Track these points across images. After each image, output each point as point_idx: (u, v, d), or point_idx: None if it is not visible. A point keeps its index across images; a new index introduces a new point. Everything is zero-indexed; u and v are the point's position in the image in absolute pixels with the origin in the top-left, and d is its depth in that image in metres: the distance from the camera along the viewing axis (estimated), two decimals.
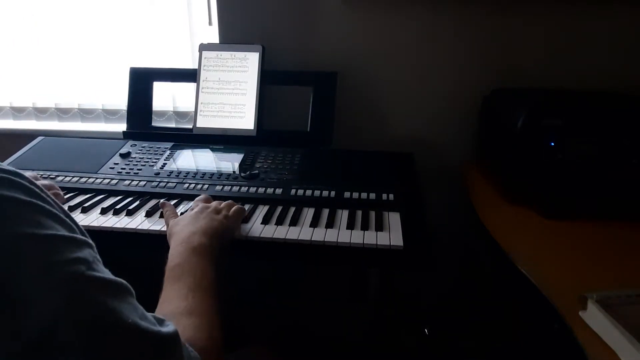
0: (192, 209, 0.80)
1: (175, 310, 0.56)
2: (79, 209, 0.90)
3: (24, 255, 0.37)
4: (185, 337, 0.49)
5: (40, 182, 0.92)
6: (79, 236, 0.42)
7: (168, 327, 0.44)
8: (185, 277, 0.62)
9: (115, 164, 1.07)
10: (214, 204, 0.83)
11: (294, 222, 0.86)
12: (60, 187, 0.98)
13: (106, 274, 0.42)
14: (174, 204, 0.93)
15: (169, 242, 0.73)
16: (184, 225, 0.74)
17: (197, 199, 0.86)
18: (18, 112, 1.46)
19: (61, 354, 0.36)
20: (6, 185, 0.39)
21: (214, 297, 0.61)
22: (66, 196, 0.96)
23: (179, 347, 0.44)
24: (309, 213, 0.90)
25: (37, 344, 0.36)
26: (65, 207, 0.90)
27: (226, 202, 0.85)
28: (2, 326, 0.35)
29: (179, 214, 0.82)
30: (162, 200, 0.88)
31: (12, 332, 0.35)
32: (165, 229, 0.83)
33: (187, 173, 1.03)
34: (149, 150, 1.12)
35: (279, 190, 0.97)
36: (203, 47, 1.18)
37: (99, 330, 0.38)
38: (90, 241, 0.43)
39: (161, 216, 0.88)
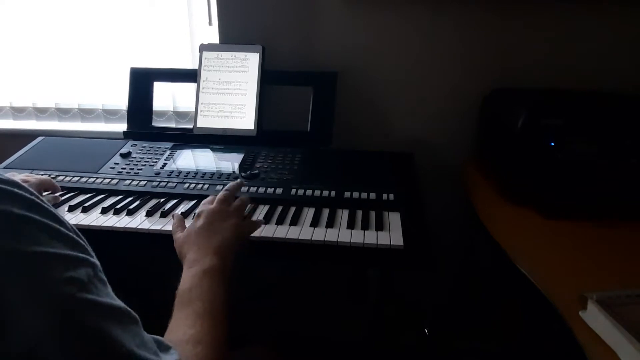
0: (199, 216, 0.75)
1: (182, 338, 0.54)
2: (80, 209, 0.90)
3: (12, 272, 0.35)
4: None
5: (34, 177, 0.93)
6: (79, 254, 0.39)
7: (172, 356, 0.43)
8: (194, 302, 0.60)
9: (115, 163, 1.07)
10: (219, 206, 0.78)
11: (294, 222, 0.86)
12: (60, 187, 0.98)
13: (104, 297, 0.39)
14: (174, 204, 0.93)
15: (181, 261, 0.70)
16: (193, 242, 0.71)
17: (202, 202, 0.81)
18: (18, 112, 1.46)
19: None
20: (3, 198, 0.37)
21: (224, 323, 0.59)
22: (66, 196, 0.96)
23: None
24: (309, 213, 0.90)
25: None
26: (66, 207, 0.91)
27: (235, 204, 0.80)
28: None
29: (180, 212, 0.82)
30: (173, 213, 0.87)
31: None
32: (165, 229, 0.84)
33: (188, 173, 1.03)
34: (149, 150, 1.12)
35: (279, 190, 0.97)
36: (203, 48, 1.18)
37: (86, 355, 0.37)
38: (93, 260, 0.41)
39: (161, 215, 0.88)
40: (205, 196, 0.95)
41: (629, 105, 1.00)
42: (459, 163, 1.23)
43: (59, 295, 0.36)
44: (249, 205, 0.86)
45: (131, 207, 0.90)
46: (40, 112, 1.45)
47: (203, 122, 1.18)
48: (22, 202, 0.37)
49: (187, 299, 0.60)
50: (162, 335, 0.52)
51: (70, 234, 0.40)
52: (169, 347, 0.44)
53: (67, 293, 0.36)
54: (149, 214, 0.89)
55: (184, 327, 0.56)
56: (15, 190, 0.38)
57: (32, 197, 0.39)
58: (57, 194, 0.95)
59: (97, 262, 0.41)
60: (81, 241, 0.41)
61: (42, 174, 1.03)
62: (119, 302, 0.40)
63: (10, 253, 0.35)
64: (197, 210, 0.78)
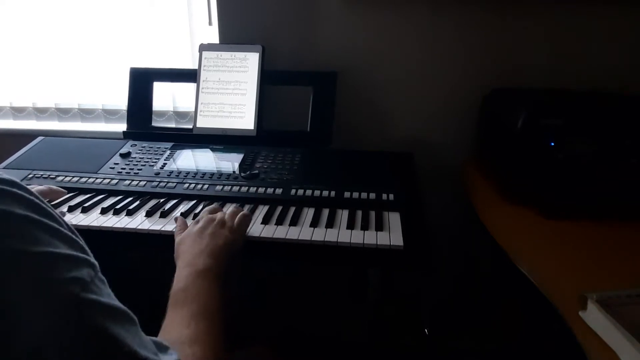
0: (198, 221, 0.78)
1: (177, 339, 0.53)
2: (79, 209, 0.90)
3: (17, 272, 0.35)
4: None
5: (36, 189, 0.92)
6: (80, 254, 0.39)
7: (171, 356, 0.43)
8: (189, 303, 0.60)
9: (115, 164, 1.07)
10: (219, 215, 0.80)
11: (294, 222, 0.86)
12: (60, 187, 0.98)
13: (105, 297, 0.39)
14: (173, 204, 0.93)
15: (175, 261, 0.71)
16: (189, 245, 0.72)
17: (205, 209, 0.83)
18: (18, 112, 1.46)
19: None
20: (5, 198, 0.37)
21: (219, 323, 0.59)
22: (66, 196, 0.96)
23: None
24: (309, 213, 0.90)
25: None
26: (65, 207, 0.90)
27: (231, 210, 0.83)
28: None
29: (180, 213, 0.82)
30: (175, 215, 0.87)
31: (4, 346, 0.34)
32: (165, 230, 0.84)
33: (187, 173, 1.03)
34: (149, 150, 1.12)
35: (279, 190, 0.97)
36: (203, 47, 1.18)
37: (90, 355, 0.37)
38: (93, 260, 0.41)
39: (161, 216, 0.88)
40: (205, 196, 0.96)
41: (629, 105, 1.00)
42: (459, 163, 1.23)
43: (64, 295, 0.36)
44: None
45: (131, 207, 0.90)
46: (40, 112, 1.45)
47: (203, 122, 1.17)
48: (22, 202, 0.38)
49: (181, 300, 0.60)
50: (157, 336, 0.52)
51: (70, 234, 0.40)
52: (167, 348, 0.44)
53: (71, 293, 0.36)
54: (149, 214, 0.89)
55: (179, 327, 0.56)
56: (15, 190, 0.38)
57: (32, 197, 0.39)
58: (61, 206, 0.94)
59: (96, 263, 0.41)
60: (80, 241, 0.41)
61: (42, 174, 1.03)
62: (118, 303, 0.40)
63: (15, 253, 0.35)
64: (199, 216, 0.80)
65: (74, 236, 0.40)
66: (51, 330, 0.35)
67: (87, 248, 0.41)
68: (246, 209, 0.91)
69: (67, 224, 0.41)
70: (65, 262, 0.37)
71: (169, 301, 0.61)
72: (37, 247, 0.36)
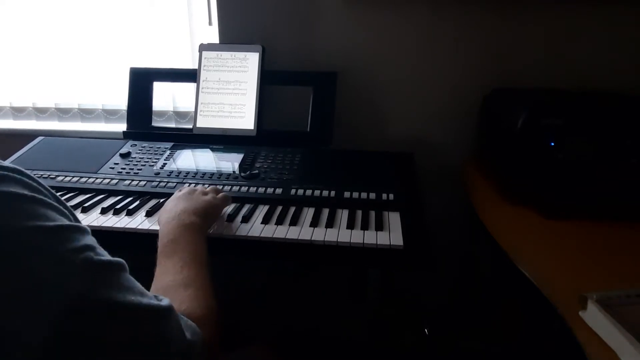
0: (179, 191, 0.84)
1: (171, 283, 0.58)
2: (79, 209, 0.90)
3: (36, 247, 0.38)
4: (183, 308, 0.52)
5: None
6: (81, 225, 0.44)
7: (163, 301, 0.46)
8: (179, 251, 0.64)
9: (115, 164, 1.07)
10: (200, 187, 0.87)
11: (294, 222, 0.86)
12: (60, 187, 0.98)
13: (106, 255, 0.44)
14: None
15: (158, 220, 0.76)
16: (173, 205, 0.77)
17: (181, 188, 0.89)
18: (18, 112, 1.46)
19: (82, 335, 0.38)
20: (11, 182, 0.40)
21: (207, 270, 0.64)
22: (66, 196, 0.96)
23: (175, 317, 0.47)
24: (309, 213, 0.90)
25: (59, 327, 0.37)
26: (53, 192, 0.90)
27: (211, 186, 0.89)
28: (22, 314, 0.37)
29: None
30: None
31: (33, 318, 0.37)
32: None
33: (187, 173, 1.03)
34: (149, 150, 1.12)
35: (279, 190, 0.97)
36: (203, 47, 1.18)
37: (114, 308, 0.41)
38: (88, 228, 0.45)
39: None
40: None
41: (629, 105, 1.00)
42: (459, 163, 1.23)
43: (82, 261, 0.40)
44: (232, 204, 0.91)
45: (131, 207, 0.90)
46: (40, 112, 1.45)
47: (203, 122, 1.18)
48: (27, 186, 0.42)
49: (171, 250, 0.65)
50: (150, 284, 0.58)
51: (65, 210, 0.44)
52: (156, 296, 0.47)
53: (88, 258, 0.41)
54: (149, 214, 0.89)
55: (172, 274, 0.60)
56: (19, 176, 0.42)
57: (32, 182, 0.43)
58: None
59: (88, 228, 0.45)
60: (70, 214, 0.45)
61: (42, 174, 1.03)
62: (113, 257, 0.44)
63: (32, 230, 0.39)
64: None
65: (66, 210, 0.45)
66: (76, 295, 0.38)
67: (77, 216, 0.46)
68: (246, 208, 0.91)
69: (58, 199, 0.45)
70: (74, 233, 0.42)
71: (159, 252, 0.65)
72: (49, 222, 0.40)
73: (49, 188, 0.45)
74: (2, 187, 0.39)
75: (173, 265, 0.62)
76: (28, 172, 0.44)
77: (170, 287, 0.58)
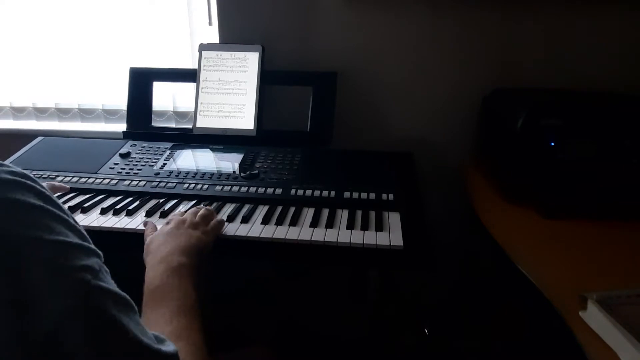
0: (168, 224, 0.78)
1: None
2: (79, 209, 0.90)
3: (33, 258, 0.37)
4: None
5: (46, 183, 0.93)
6: (88, 244, 0.42)
7: (168, 347, 0.44)
8: (167, 300, 0.60)
9: (115, 164, 1.07)
10: (189, 216, 0.80)
11: (293, 222, 0.86)
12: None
13: (112, 285, 0.41)
14: (173, 204, 0.93)
15: (145, 259, 0.71)
16: (161, 243, 0.72)
17: (172, 214, 0.84)
18: (18, 112, 1.46)
19: (67, 352, 0.37)
20: (19, 189, 0.39)
21: (198, 318, 0.60)
22: (66, 197, 0.96)
23: None
24: (309, 213, 0.90)
25: (42, 348, 0.36)
26: (65, 207, 0.90)
27: (201, 212, 0.82)
28: (9, 328, 0.36)
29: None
30: (145, 220, 0.86)
31: (18, 333, 0.36)
32: None
33: (187, 173, 1.03)
34: (149, 150, 1.12)
35: (279, 190, 0.97)
36: (203, 47, 1.18)
37: (102, 339, 0.39)
38: (99, 251, 0.43)
39: (161, 216, 0.88)
40: (205, 196, 0.96)
41: (629, 105, 1.00)
42: (458, 163, 1.23)
43: (77, 282, 0.38)
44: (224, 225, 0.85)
45: (131, 207, 0.90)
46: (40, 112, 1.45)
47: (203, 122, 1.17)
48: (35, 193, 0.40)
49: (159, 297, 0.61)
50: None
51: (77, 225, 0.42)
52: (164, 340, 0.45)
53: (83, 280, 0.39)
54: (149, 214, 0.89)
55: (160, 325, 0.56)
56: (29, 182, 0.40)
57: (43, 190, 0.41)
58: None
59: (101, 253, 0.43)
60: (84, 233, 0.43)
61: (42, 174, 1.03)
62: (121, 291, 0.42)
63: (33, 240, 0.38)
64: (168, 218, 0.81)
65: (79, 227, 0.43)
66: (65, 315, 0.37)
67: (90, 240, 0.43)
68: (246, 209, 0.91)
69: (71, 216, 0.43)
70: (77, 251, 0.40)
71: (144, 299, 0.61)
72: (52, 236, 0.39)
73: (57, 200, 0.43)
74: (9, 194, 0.38)
75: (161, 316, 0.58)
76: (35, 176, 0.42)
77: None
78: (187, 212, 0.83)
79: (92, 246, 0.42)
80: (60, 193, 0.95)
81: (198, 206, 0.89)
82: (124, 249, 0.88)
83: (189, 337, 0.55)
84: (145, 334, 0.42)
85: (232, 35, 1.24)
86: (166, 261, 0.67)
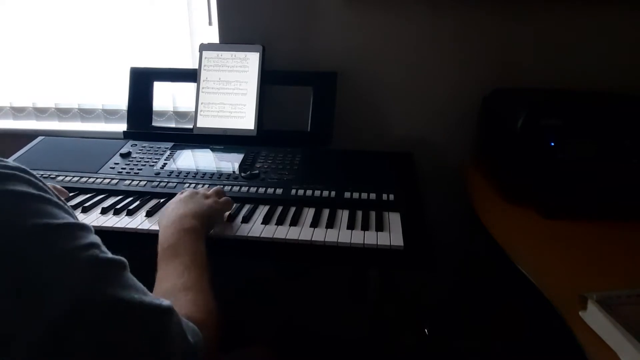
0: (181, 193, 0.82)
1: (173, 287, 0.59)
2: (80, 209, 0.90)
3: (43, 244, 0.39)
4: (184, 311, 0.52)
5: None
6: (85, 223, 0.44)
7: (164, 302, 0.46)
8: (180, 256, 0.64)
9: (115, 163, 1.07)
10: (202, 189, 0.85)
11: (294, 222, 0.86)
12: (60, 187, 0.98)
13: (109, 253, 0.44)
14: None
15: (159, 223, 0.75)
16: (173, 208, 0.76)
17: (183, 189, 0.88)
18: (18, 112, 1.46)
19: (85, 332, 0.38)
20: (17, 181, 0.41)
21: (207, 273, 0.64)
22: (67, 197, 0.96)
23: (177, 317, 0.47)
24: (309, 213, 0.90)
25: (61, 324, 0.37)
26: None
27: (214, 188, 0.87)
28: (23, 312, 0.37)
29: None
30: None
31: (34, 316, 0.37)
32: None
33: (188, 173, 1.03)
34: (149, 150, 1.12)
35: (279, 190, 0.97)
36: (203, 47, 1.18)
37: (118, 305, 0.41)
38: (89, 225, 0.46)
39: None
40: None
41: (629, 105, 1.00)
42: (458, 163, 1.23)
43: (88, 258, 0.41)
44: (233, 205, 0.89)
45: (131, 207, 0.90)
46: (40, 112, 1.45)
47: (203, 122, 1.18)
48: (32, 184, 0.43)
49: (171, 254, 0.65)
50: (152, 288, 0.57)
51: (69, 209, 0.45)
52: (157, 297, 0.47)
53: (93, 255, 0.41)
54: (149, 214, 0.89)
55: (172, 277, 0.61)
56: (26, 176, 0.43)
57: (38, 181, 0.44)
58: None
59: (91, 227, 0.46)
60: (74, 214, 0.46)
61: (42, 174, 1.03)
62: (116, 255, 0.45)
63: (40, 228, 0.39)
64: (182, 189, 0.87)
65: (70, 209, 0.46)
66: (80, 292, 0.39)
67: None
68: (246, 209, 0.91)
69: (62, 200, 0.46)
70: (80, 231, 0.43)
71: (159, 257, 0.65)
72: (56, 220, 0.41)
73: (51, 189, 0.45)
74: (9, 186, 0.40)
75: (174, 269, 0.62)
76: (33, 171, 0.44)
77: (170, 291, 0.58)
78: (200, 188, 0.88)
79: (87, 224, 0.45)
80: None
81: None
82: (125, 248, 0.88)
83: (199, 288, 0.59)
84: (143, 291, 0.45)
85: (232, 35, 1.24)
86: (179, 222, 0.71)
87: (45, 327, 0.37)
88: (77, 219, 0.45)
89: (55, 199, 0.43)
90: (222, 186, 0.95)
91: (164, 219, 0.75)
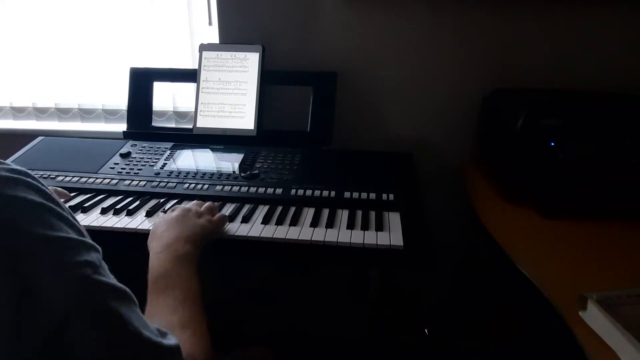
0: (173, 211, 0.79)
1: (167, 325, 0.54)
2: (79, 209, 0.90)
3: (36, 255, 0.38)
4: (184, 351, 0.49)
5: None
6: (87, 240, 0.43)
7: (170, 340, 0.44)
8: (171, 289, 0.60)
9: (115, 164, 1.07)
10: (194, 207, 0.81)
11: (294, 222, 0.86)
12: (60, 187, 0.98)
13: (111, 279, 0.42)
14: (173, 204, 0.93)
15: (148, 246, 0.71)
16: (165, 230, 0.72)
17: (173, 207, 0.84)
18: (18, 112, 1.46)
19: (69, 353, 0.37)
20: (20, 186, 0.40)
21: (201, 307, 0.61)
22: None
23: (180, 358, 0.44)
24: (309, 213, 0.90)
25: (46, 344, 0.37)
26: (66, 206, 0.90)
27: (206, 205, 0.84)
28: (12, 325, 0.36)
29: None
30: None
31: (23, 328, 0.36)
32: None
33: (187, 173, 1.03)
34: (149, 150, 1.12)
35: (279, 190, 0.97)
36: (203, 47, 1.18)
37: (104, 332, 0.39)
38: (98, 246, 0.44)
39: None
40: (205, 196, 0.96)
41: (629, 105, 1.00)
42: (458, 163, 1.23)
43: (79, 277, 0.39)
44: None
45: (131, 207, 0.90)
46: (40, 112, 1.45)
47: (203, 122, 1.17)
48: (36, 191, 0.41)
49: (163, 286, 0.61)
50: None
51: (76, 222, 0.44)
52: (166, 333, 0.45)
53: (85, 274, 0.40)
54: (149, 214, 0.89)
55: (166, 314, 0.57)
56: (30, 180, 0.41)
57: (43, 187, 0.42)
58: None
59: (100, 248, 0.44)
60: (83, 229, 0.44)
61: (42, 174, 1.03)
62: (120, 285, 0.43)
63: (38, 237, 0.39)
64: (173, 207, 0.82)
65: (78, 224, 0.44)
66: (69, 309, 0.38)
67: (88, 236, 0.45)
68: (246, 209, 0.91)
69: (71, 213, 0.44)
70: (78, 247, 0.41)
71: (149, 287, 0.61)
72: (55, 232, 0.40)
73: (57, 198, 0.44)
74: (13, 192, 0.39)
75: (166, 304, 0.58)
76: (33, 172, 0.43)
77: (167, 328, 0.52)
78: (192, 203, 0.84)
79: (91, 241, 0.43)
80: (63, 200, 0.95)
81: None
82: (124, 248, 0.88)
83: (194, 327, 0.56)
84: (146, 326, 0.42)
85: (232, 35, 1.24)
86: (171, 248, 0.67)
87: (35, 338, 0.36)
88: (84, 234, 0.44)
89: (59, 210, 0.42)
90: (215, 203, 0.90)
91: (154, 242, 0.70)
